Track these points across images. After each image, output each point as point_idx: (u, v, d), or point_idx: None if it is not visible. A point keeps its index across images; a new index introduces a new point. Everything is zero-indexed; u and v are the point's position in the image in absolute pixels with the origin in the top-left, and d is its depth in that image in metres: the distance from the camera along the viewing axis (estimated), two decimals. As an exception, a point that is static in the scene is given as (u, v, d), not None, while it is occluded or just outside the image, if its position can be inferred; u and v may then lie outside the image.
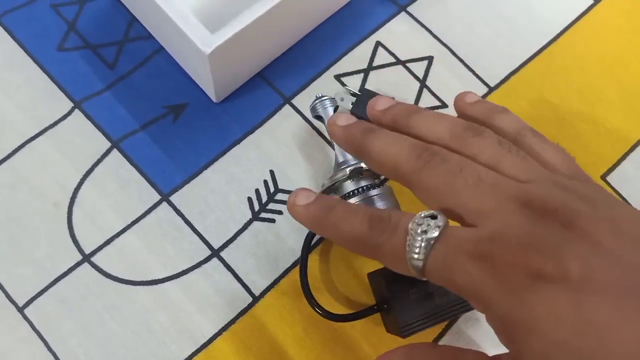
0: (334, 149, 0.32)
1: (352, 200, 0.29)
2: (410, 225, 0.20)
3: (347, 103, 0.33)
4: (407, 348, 0.23)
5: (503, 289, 0.18)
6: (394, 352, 0.23)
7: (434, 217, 0.20)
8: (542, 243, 0.18)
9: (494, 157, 0.21)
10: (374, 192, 0.30)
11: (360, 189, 0.30)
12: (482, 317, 0.31)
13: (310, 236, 0.30)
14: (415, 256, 0.20)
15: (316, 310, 0.29)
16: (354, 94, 0.33)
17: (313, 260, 0.32)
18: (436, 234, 0.19)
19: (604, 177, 0.34)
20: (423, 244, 0.19)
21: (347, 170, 0.30)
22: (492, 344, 0.31)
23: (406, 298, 0.28)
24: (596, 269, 0.17)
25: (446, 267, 0.19)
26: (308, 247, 0.30)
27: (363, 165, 0.30)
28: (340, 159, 0.31)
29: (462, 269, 0.19)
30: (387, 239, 0.21)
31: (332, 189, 0.31)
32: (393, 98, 0.26)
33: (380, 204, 0.29)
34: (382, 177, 0.33)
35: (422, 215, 0.20)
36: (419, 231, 0.20)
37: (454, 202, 0.20)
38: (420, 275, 0.20)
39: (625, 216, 0.19)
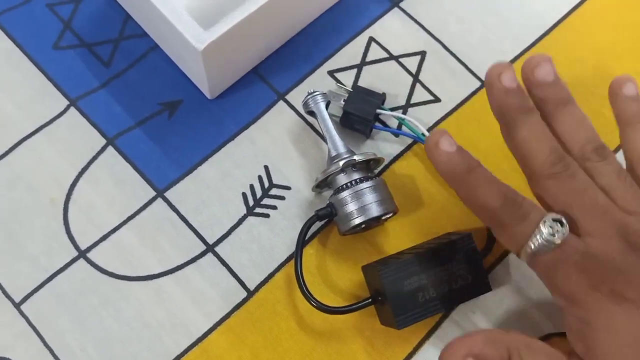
0: (327, 143, 0.32)
1: (345, 194, 0.30)
2: (541, 225, 0.24)
3: (339, 100, 0.33)
4: (487, 334, 0.26)
5: (593, 296, 0.23)
6: (472, 338, 0.25)
7: (561, 223, 0.24)
8: (629, 272, 0.23)
9: (611, 184, 0.25)
10: (367, 184, 0.30)
11: (353, 182, 0.30)
12: (475, 310, 0.31)
13: (304, 230, 0.31)
14: (532, 248, 0.24)
15: (311, 303, 0.29)
16: (346, 91, 0.33)
17: (307, 254, 0.32)
18: (559, 242, 0.23)
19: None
20: (545, 244, 0.24)
21: (340, 163, 0.30)
22: (487, 336, 0.31)
23: (400, 290, 0.28)
24: None
25: (553, 267, 0.24)
26: (303, 241, 0.30)
27: (356, 158, 0.30)
28: (333, 153, 0.31)
29: (566, 273, 0.24)
30: (514, 222, 0.24)
31: (326, 182, 0.31)
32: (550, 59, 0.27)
33: (372, 196, 0.29)
34: (375, 170, 0.33)
35: (552, 218, 0.24)
36: (545, 232, 0.24)
37: (568, 212, 0.24)
38: (525, 260, 0.25)
39: None
